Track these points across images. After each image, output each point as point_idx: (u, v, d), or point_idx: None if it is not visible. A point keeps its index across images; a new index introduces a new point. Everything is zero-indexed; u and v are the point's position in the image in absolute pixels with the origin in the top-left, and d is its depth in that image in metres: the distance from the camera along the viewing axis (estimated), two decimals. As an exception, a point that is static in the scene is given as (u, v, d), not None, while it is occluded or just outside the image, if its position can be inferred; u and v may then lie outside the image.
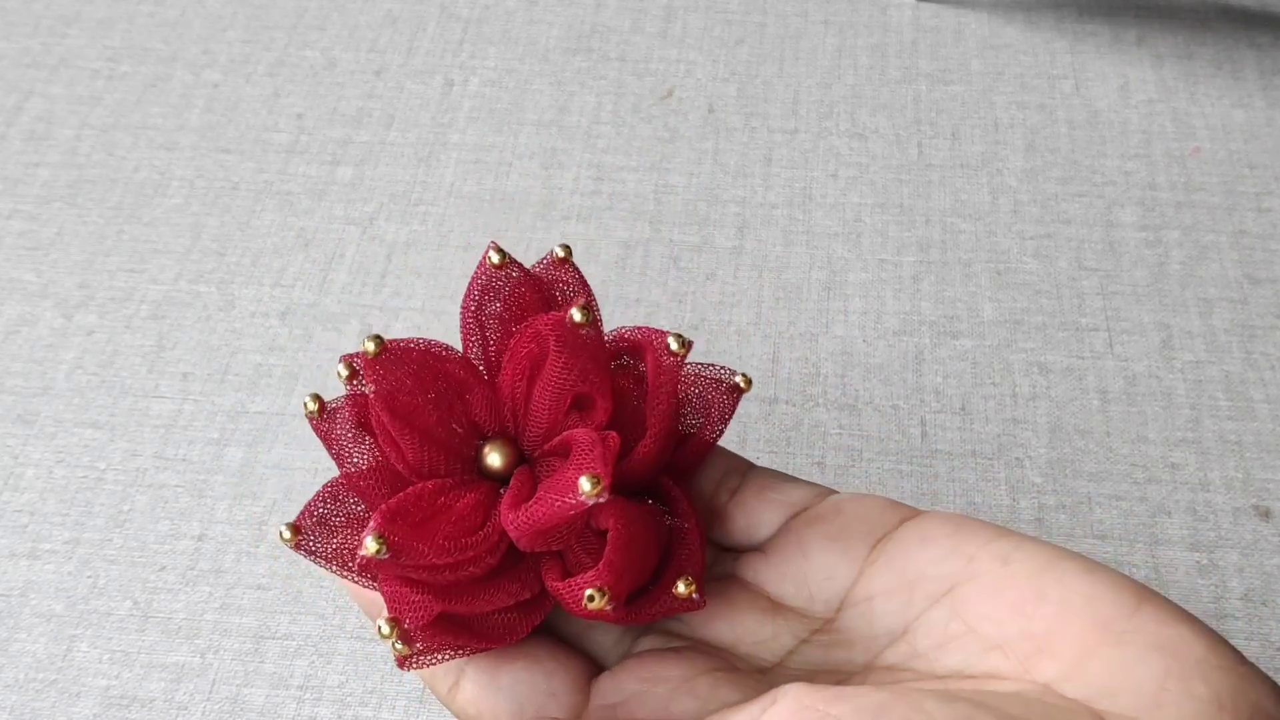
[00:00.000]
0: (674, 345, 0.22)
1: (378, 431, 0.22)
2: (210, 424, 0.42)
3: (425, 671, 0.23)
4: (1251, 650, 0.36)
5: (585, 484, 0.20)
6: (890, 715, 0.18)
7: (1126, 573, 0.37)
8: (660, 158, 0.49)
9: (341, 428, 0.23)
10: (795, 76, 0.52)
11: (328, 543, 0.22)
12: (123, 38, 0.54)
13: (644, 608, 0.22)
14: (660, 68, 0.52)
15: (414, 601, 0.21)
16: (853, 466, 0.40)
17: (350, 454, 0.23)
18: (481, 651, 0.22)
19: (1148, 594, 0.20)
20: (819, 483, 0.39)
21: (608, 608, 0.21)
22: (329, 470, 0.40)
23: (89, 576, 0.38)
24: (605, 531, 0.22)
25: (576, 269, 0.25)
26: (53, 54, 0.54)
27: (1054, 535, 0.38)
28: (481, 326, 0.24)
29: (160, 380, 0.43)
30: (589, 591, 0.20)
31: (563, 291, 0.25)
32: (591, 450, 0.21)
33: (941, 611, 0.21)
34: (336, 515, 0.23)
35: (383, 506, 0.21)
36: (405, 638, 0.21)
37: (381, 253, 0.46)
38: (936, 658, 0.21)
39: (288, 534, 0.22)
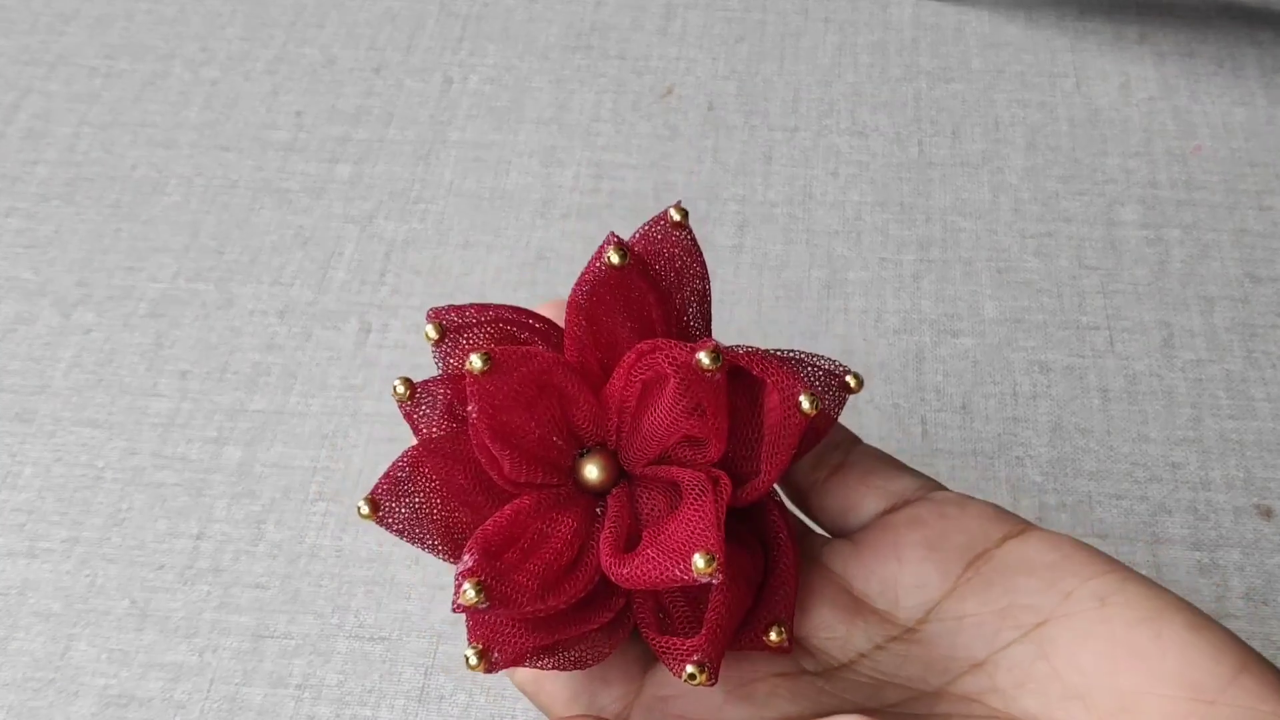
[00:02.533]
0: (806, 406, 0.20)
1: (477, 447, 0.21)
2: (209, 422, 0.41)
3: None
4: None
5: (700, 561, 0.19)
6: None
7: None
8: (660, 156, 0.49)
9: (432, 412, 0.22)
10: (795, 74, 0.52)
11: (406, 515, 0.22)
12: (121, 35, 0.54)
13: (730, 647, 0.21)
14: (660, 65, 0.52)
15: (505, 634, 0.20)
16: (853, 465, 0.40)
17: (440, 444, 0.22)
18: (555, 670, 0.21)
19: (1251, 660, 0.19)
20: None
21: (708, 682, 0.20)
22: (328, 470, 0.40)
23: (87, 575, 0.38)
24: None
25: (691, 236, 0.23)
26: (50, 51, 0.54)
27: (1055, 534, 0.38)
28: (590, 322, 0.22)
29: (159, 379, 0.43)
30: (689, 669, 0.20)
31: (672, 265, 0.23)
32: (704, 512, 0.20)
33: (1028, 648, 0.20)
34: (414, 487, 0.22)
35: (475, 539, 0.20)
36: (490, 666, 0.20)
37: (380, 250, 0.46)
38: (1014, 696, 0.20)
39: (365, 509, 0.21)
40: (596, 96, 0.51)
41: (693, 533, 0.19)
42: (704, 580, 0.19)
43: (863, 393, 0.42)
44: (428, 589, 0.37)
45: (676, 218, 0.23)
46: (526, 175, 0.48)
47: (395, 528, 0.22)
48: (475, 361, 0.21)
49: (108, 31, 0.54)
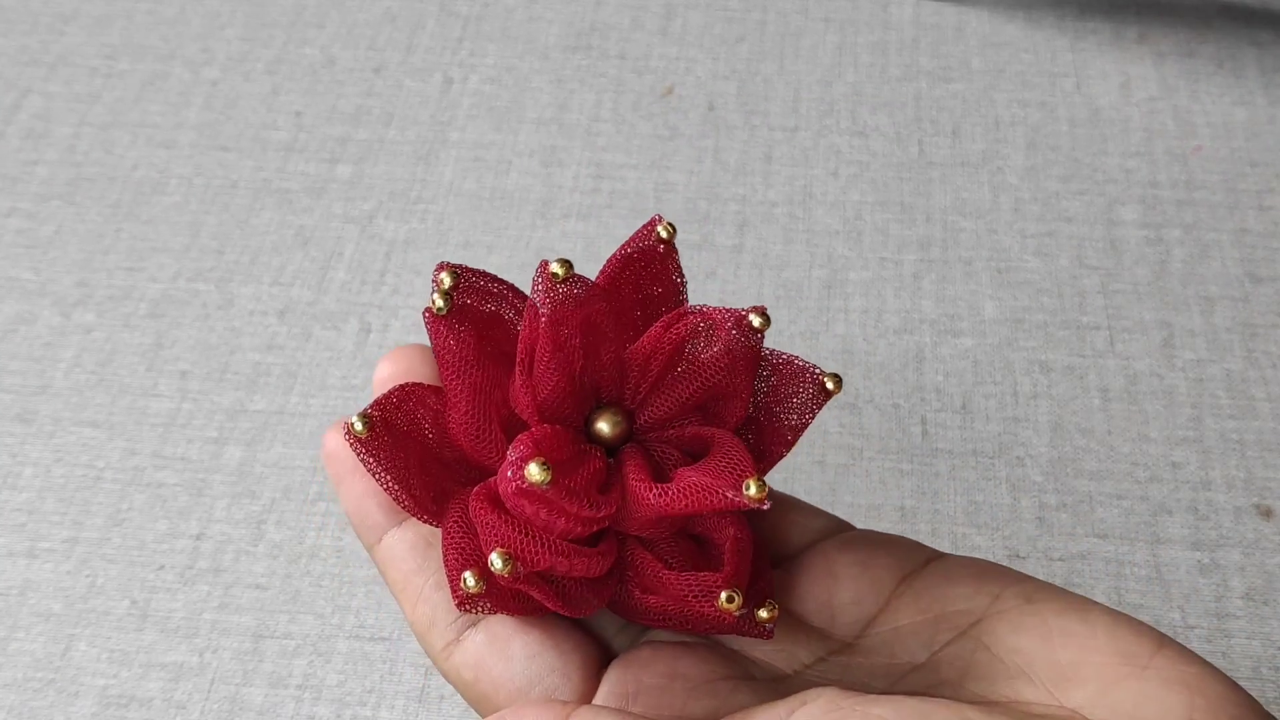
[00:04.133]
0: (830, 385, 0.22)
1: (522, 353, 0.22)
2: (209, 422, 0.41)
3: (424, 618, 0.22)
4: (1253, 650, 0.36)
5: (753, 488, 0.20)
6: (934, 719, 0.18)
7: (1128, 573, 0.37)
8: (660, 155, 0.49)
9: (460, 336, 0.22)
10: (796, 74, 0.52)
11: (388, 445, 0.22)
12: (121, 35, 0.54)
13: (714, 629, 0.22)
14: (660, 65, 0.52)
15: (524, 546, 0.20)
16: (853, 465, 0.40)
17: (460, 363, 0.22)
18: (544, 614, 0.22)
19: (1168, 639, 0.20)
20: (819, 495, 0.39)
21: (738, 611, 0.21)
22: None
23: (87, 575, 0.38)
24: (699, 537, 0.22)
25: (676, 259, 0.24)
26: (51, 51, 0.54)
27: (1055, 534, 0.38)
28: (625, 279, 0.23)
29: (159, 379, 0.43)
30: (726, 593, 0.20)
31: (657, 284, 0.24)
32: (744, 452, 0.21)
33: (967, 644, 0.21)
34: (401, 420, 0.22)
35: (524, 437, 0.21)
36: (515, 574, 0.20)
37: (381, 251, 0.46)
38: (961, 684, 0.21)
39: (360, 425, 0.21)
40: (597, 96, 0.51)
41: (739, 463, 0.20)
42: (753, 505, 0.19)
43: (863, 392, 0.42)
44: (428, 589, 0.37)
45: (663, 235, 0.23)
46: (527, 175, 0.48)
47: (375, 453, 0.22)
48: (556, 268, 0.21)
49: (108, 32, 0.54)
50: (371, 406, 0.22)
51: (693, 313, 0.22)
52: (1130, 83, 0.51)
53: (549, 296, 0.21)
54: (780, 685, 0.22)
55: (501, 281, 0.24)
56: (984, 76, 0.51)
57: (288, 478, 0.40)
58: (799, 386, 0.23)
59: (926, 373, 0.42)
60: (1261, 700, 0.35)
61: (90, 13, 0.55)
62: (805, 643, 0.23)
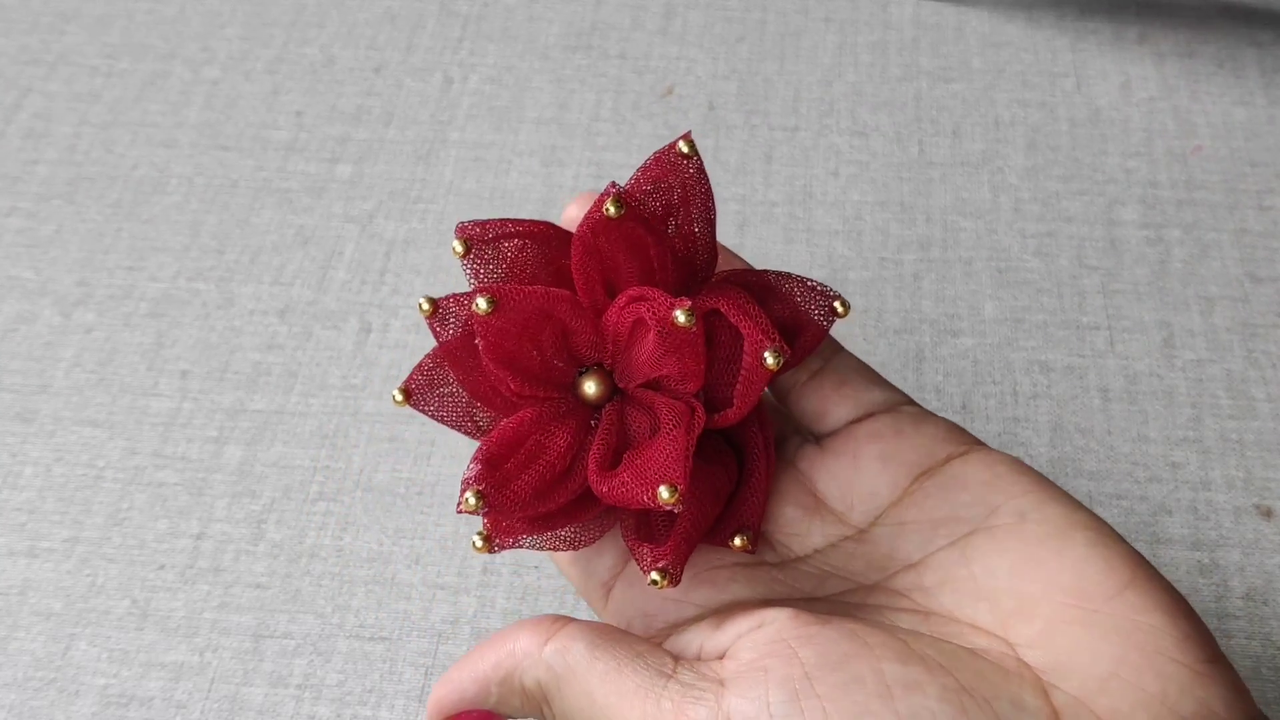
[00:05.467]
0: (770, 361, 0.23)
1: (486, 371, 0.24)
2: (209, 422, 0.41)
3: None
4: (1253, 650, 0.36)
5: (664, 493, 0.22)
6: (849, 670, 0.19)
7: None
8: (660, 155, 0.49)
9: (456, 324, 0.25)
10: (796, 74, 0.52)
11: (436, 402, 0.25)
12: (121, 35, 0.54)
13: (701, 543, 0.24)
14: (660, 65, 0.52)
15: (504, 526, 0.23)
16: (853, 465, 0.40)
17: (457, 358, 0.25)
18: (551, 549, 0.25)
19: (1142, 576, 0.21)
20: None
21: (667, 586, 0.23)
22: (328, 469, 0.40)
23: (88, 575, 0.38)
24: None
25: (698, 164, 0.25)
26: (51, 51, 0.54)
27: (1055, 534, 0.38)
28: (592, 257, 0.25)
29: (159, 378, 0.43)
30: (653, 575, 0.23)
31: (675, 194, 0.25)
32: (674, 447, 0.23)
33: (954, 554, 0.23)
34: (441, 379, 0.25)
35: (481, 451, 0.23)
36: (492, 550, 0.23)
37: (381, 250, 0.46)
38: (935, 594, 0.22)
39: (399, 397, 0.25)
40: (597, 96, 0.51)
41: (663, 464, 0.22)
42: (667, 509, 0.22)
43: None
44: (428, 589, 0.38)
45: (684, 149, 0.25)
46: (527, 175, 0.48)
47: (428, 411, 0.25)
48: (481, 304, 0.23)
49: (108, 31, 0.54)
50: (407, 379, 0.25)
51: (632, 302, 0.24)
52: (1130, 83, 0.51)
53: (481, 330, 0.24)
54: (785, 572, 0.24)
55: (517, 222, 0.26)
56: (984, 76, 0.51)
57: (288, 477, 0.40)
58: (808, 309, 0.25)
59: (926, 372, 0.42)
60: (1261, 701, 0.35)
61: (91, 12, 0.55)
62: (821, 527, 0.25)
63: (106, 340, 0.44)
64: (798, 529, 0.25)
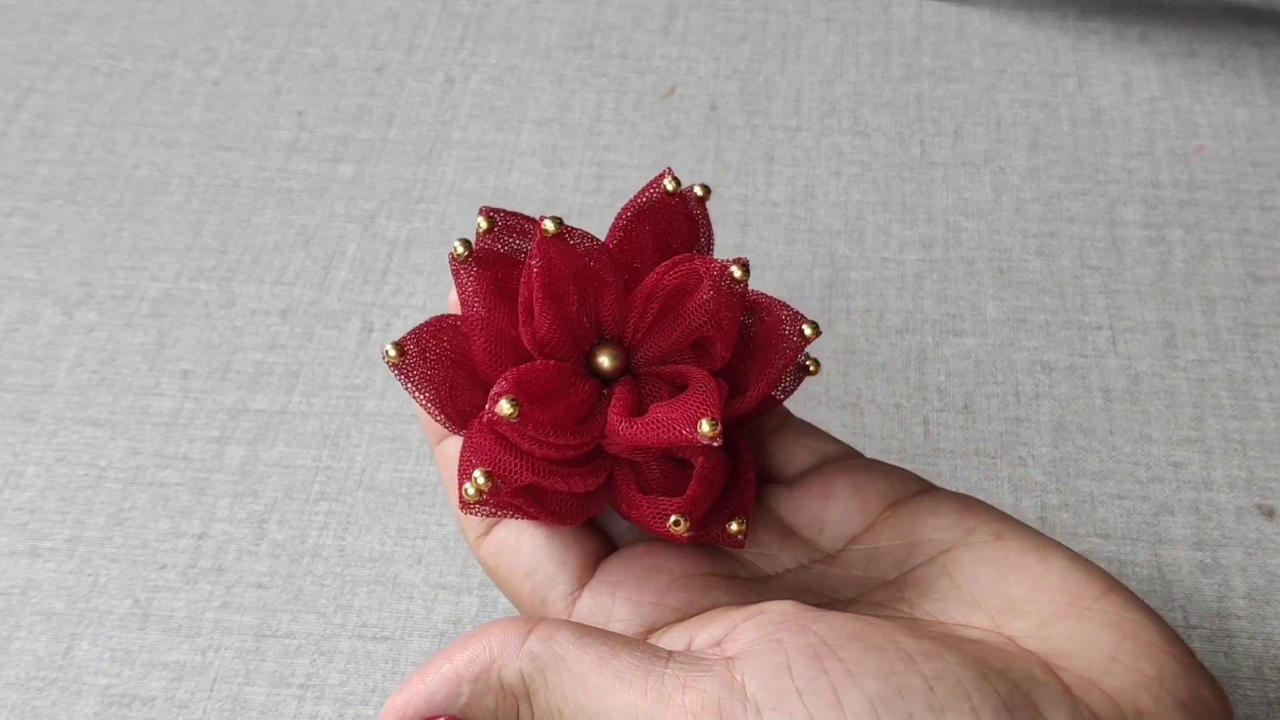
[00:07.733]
0: (808, 331, 0.25)
1: (523, 298, 0.24)
2: (211, 422, 0.41)
3: (463, 516, 0.25)
4: (1255, 650, 0.36)
5: (705, 426, 0.22)
6: (864, 640, 0.20)
7: (1130, 572, 0.37)
8: (662, 155, 0.49)
9: (478, 279, 0.25)
10: (797, 74, 0.52)
11: (423, 371, 0.25)
12: (123, 35, 0.54)
13: (695, 533, 0.25)
14: (662, 65, 0.52)
15: (510, 464, 0.23)
16: (855, 465, 0.40)
17: (475, 304, 0.25)
18: (535, 520, 0.25)
19: (1118, 586, 0.22)
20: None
21: (686, 533, 0.23)
22: (330, 469, 0.40)
23: (89, 575, 0.38)
24: (683, 460, 0.25)
25: (701, 208, 0.27)
26: (52, 51, 0.54)
27: (1057, 534, 0.38)
28: (632, 234, 0.26)
29: (161, 378, 0.43)
30: (674, 516, 0.23)
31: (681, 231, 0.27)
32: (710, 393, 0.23)
33: (934, 568, 0.23)
34: (435, 349, 0.25)
35: (510, 373, 0.23)
36: (489, 490, 0.23)
37: (383, 250, 0.46)
38: (918, 602, 0.23)
39: (393, 352, 0.24)
40: (598, 96, 0.51)
41: (701, 403, 0.23)
42: (705, 442, 0.22)
43: (865, 392, 0.42)
44: (430, 589, 0.38)
45: (670, 187, 0.26)
46: (528, 175, 0.48)
47: (410, 376, 0.25)
48: (549, 225, 0.24)
49: (109, 31, 0.54)
50: (406, 336, 0.25)
51: (685, 262, 0.24)
52: (1132, 83, 0.51)
53: (540, 250, 0.24)
54: (759, 585, 0.25)
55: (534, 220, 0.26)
56: (986, 76, 0.51)
57: (290, 477, 0.40)
58: (783, 330, 0.26)
59: (928, 372, 0.42)
60: (1263, 702, 0.35)
61: (92, 12, 0.55)
62: (791, 550, 0.25)
63: (108, 340, 0.44)
64: (768, 549, 0.25)
